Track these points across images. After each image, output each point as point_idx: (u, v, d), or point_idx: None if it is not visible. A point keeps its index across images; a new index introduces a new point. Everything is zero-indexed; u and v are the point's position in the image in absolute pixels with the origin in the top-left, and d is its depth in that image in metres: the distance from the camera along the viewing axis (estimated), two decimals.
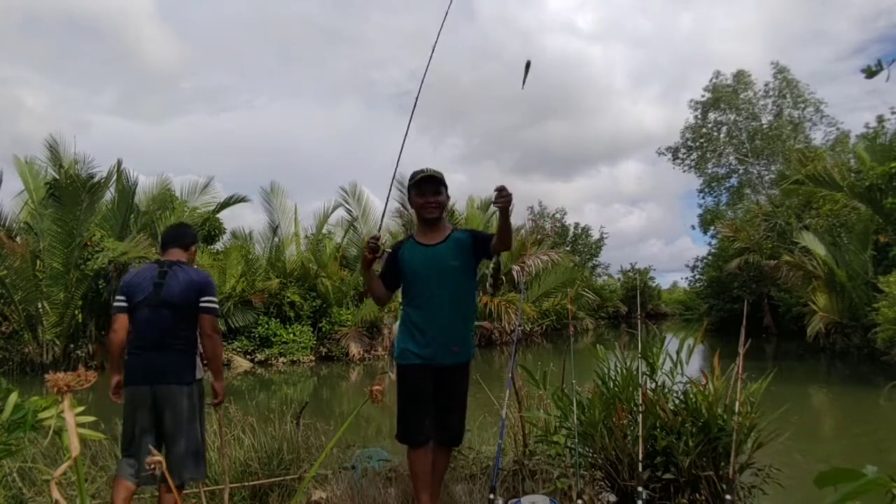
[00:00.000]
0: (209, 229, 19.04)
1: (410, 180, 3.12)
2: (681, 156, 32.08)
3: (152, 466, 1.26)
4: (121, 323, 3.16)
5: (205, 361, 3.26)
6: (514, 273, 21.26)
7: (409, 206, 21.84)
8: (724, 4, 68.23)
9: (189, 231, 3.57)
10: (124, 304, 3.19)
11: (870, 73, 1.29)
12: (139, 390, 3.09)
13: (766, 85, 29.66)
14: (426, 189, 3.09)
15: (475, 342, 3.13)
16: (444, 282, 3.03)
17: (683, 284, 40.95)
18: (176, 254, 3.36)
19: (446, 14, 2.79)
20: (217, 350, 3.22)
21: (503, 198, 2.66)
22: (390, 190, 4.05)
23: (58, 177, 14.18)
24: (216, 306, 3.25)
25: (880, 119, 23.03)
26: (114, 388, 3.16)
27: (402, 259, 3.15)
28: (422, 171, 3.06)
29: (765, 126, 29.52)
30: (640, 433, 3.21)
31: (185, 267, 3.29)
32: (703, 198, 33.13)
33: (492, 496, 2.97)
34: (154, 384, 3.07)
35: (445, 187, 3.15)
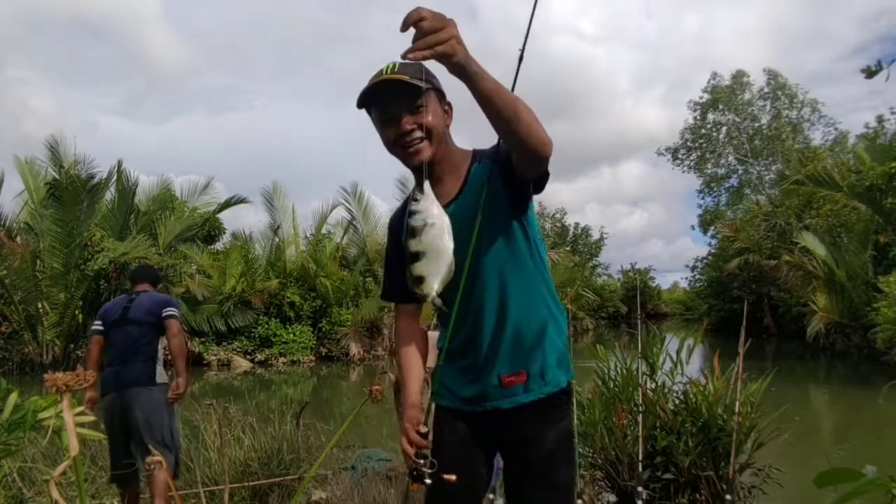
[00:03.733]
0: (209, 230, 19.05)
1: (359, 103, 1.52)
2: (680, 156, 32.11)
3: (152, 466, 1.26)
4: (95, 343, 3.69)
5: (168, 370, 3.75)
6: None
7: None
8: (728, 6, 68.33)
9: (156, 271, 4.28)
10: (101, 328, 3.70)
11: (869, 73, 1.29)
12: (111, 398, 3.53)
13: (761, 90, 29.74)
14: (388, 110, 1.49)
15: (561, 354, 1.68)
16: (478, 259, 1.54)
17: (684, 284, 41.03)
18: (144, 286, 3.91)
19: (531, 16, 1.36)
20: (182, 347, 3.70)
21: (424, 37, 1.09)
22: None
23: (58, 177, 14.19)
24: (178, 314, 3.79)
25: (880, 119, 23.06)
26: (86, 402, 3.49)
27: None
28: (375, 76, 1.46)
29: (764, 126, 29.54)
30: (640, 433, 3.21)
31: (150, 293, 3.88)
32: (703, 198, 33.19)
33: (492, 496, 2.96)
34: (122, 390, 3.53)
35: (435, 89, 1.53)
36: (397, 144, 1.50)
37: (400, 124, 1.46)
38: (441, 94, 1.55)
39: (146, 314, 3.69)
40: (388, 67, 1.45)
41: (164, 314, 3.68)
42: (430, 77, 1.48)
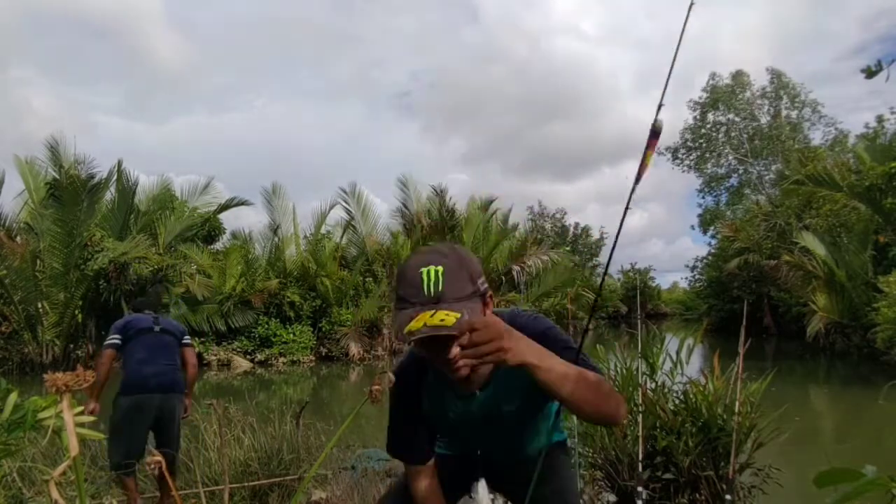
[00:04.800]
0: (209, 230, 19.05)
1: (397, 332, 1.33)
2: (680, 156, 32.13)
3: (152, 466, 1.26)
4: (109, 358, 3.71)
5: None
6: (514, 273, 21.27)
7: (409, 206, 21.98)
8: (729, 7, 68.32)
9: (159, 297, 4.62)
10: (118, 341, 3.75)
11: (869, 73, 1.29)
12: (150, 398, 3.65)
13: (763, 89, 29.76)
14: (432, 348, 1.35)
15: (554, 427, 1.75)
16: (496, 429, 1.60)
17: (683, 284, 41.03)
18: (150, 314, 4.06)
19: (686, 18, 1.54)
20: (196, 375, 4.13)
21: (474, 347, 1.12)
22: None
23: (58, 177, 14.18)
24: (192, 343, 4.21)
25: (880, 119, 23.08)
26: (89, 412, 3.51)
27: (424, 408, 1.60)
28: (409, 305, 1.27)
29: (763, 126, 29.55)
30: (640, 433, 3.21)
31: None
32: (703, 198, 33.21)
33: (492, 496, 2.96)
34: (168, 393, 3.72)
35: (480, 295, 1.34)
36: (438, 364, 1.38)
37: (446, 351, 1.29)
38: (485, 296, 1.34)
39: (175, 329, 4.04)
40: (429, 281, 1.26)
41: (184, 340, 4.04)
42: (475, 277, 1.31)
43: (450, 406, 1.54)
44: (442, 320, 1.20)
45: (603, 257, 42.34)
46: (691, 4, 1.52)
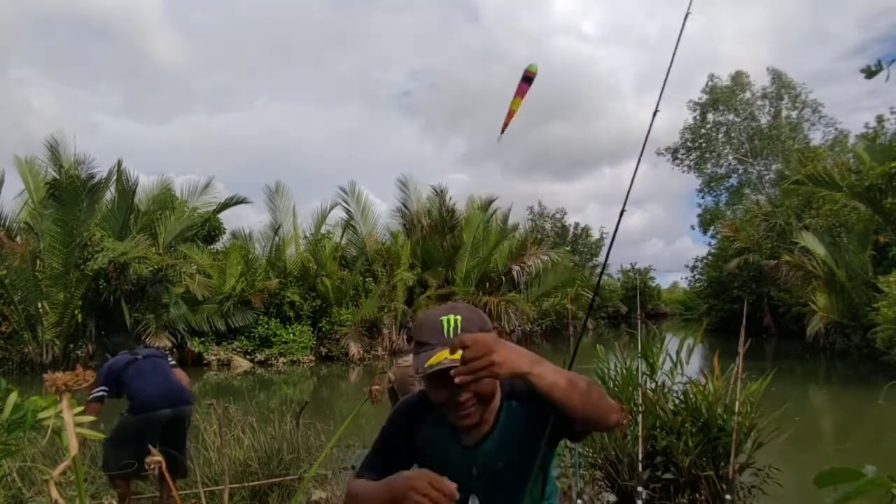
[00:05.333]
0: (209, 229, 19.05)
1: (414, 344, 1.48)
2: (680, 156, 32.13)
3: (152, 467, 1.26)
4: (95, 410, 3.70)
5: None
6: (514, 273, 21.27)
7: (409, 206, 21.95)
8: (730, 7, 68.32)
9: (134, 337, 4.79)
10: (105, 394, 3.82)
11: (869, 73, 1.29)
12: (159, 414, 3.80)
13: (764, 89, 29.77)
14: (445, 382, 1.36)
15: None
16: (486, 488, 1.53)
17: (683, 284, 41.04)
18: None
19: (682, 27, 1.59)
20: (191, 390, 4.29)
21: (467, 363, 1.18)
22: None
23: (58, 177, 14.18)
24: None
25: (880, 119, 23.11)
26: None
27: (418, 447, 1.58)
28: (429, 347, 1.38)
29: (763, 126, 29.55)
30: (640, 433, 3.21)
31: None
32: (703, 198, 33.22)
33: None
34: (179, 406, 3.90)
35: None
36: (447, 407, 1.43)
37: (458, 395, 1.37)
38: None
39: (155, 352, 4.28)
40: (449, 326, 1.39)
41: (171, 362, 4.21)
42: (486, 331, 1.40)
43: (452, 455, 1.53)
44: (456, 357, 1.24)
45: (604, 257, 42.33)
46: (686, 15, 1.56)
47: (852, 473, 0.66)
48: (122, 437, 3.68)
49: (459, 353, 1.22)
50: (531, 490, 1.58)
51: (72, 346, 14.78)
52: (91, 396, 3.80)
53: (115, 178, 15.48)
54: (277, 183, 19.65)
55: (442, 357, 1.31)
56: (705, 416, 3.30)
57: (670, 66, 1.53)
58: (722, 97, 29.92)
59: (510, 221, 23.18)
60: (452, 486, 1.19)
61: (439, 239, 20.03)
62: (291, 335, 17.51)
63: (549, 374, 1.26)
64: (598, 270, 41.78)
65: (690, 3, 1.59)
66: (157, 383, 3.94)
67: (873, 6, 49.89)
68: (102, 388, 3.84)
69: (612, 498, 3.47)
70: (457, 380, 1.18)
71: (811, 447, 6.14)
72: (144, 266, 14.80)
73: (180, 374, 4.20)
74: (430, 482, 1.19)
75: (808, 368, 15.16)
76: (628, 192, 1.55)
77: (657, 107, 1.55)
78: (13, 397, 1.04)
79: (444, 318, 1.40)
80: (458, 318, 1.40)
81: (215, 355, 16.68)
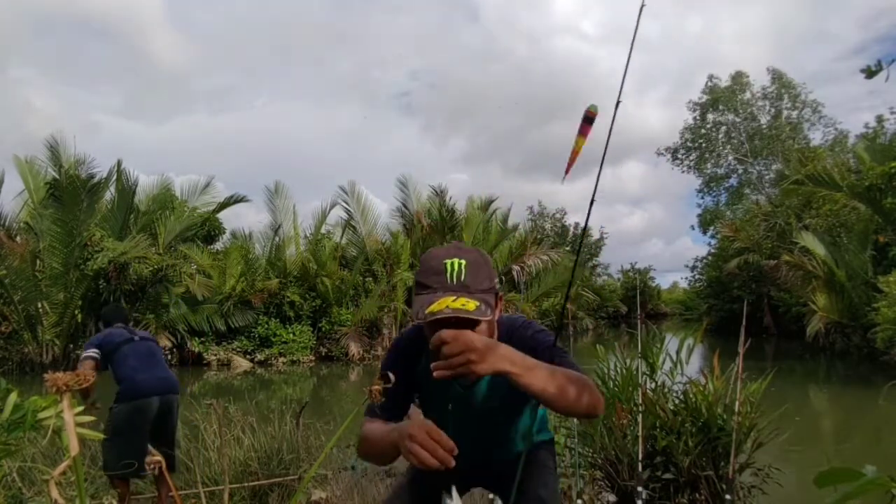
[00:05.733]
0: (209, 229, 19.04)
1: (416, 290, 1.43)
2: (680, 156, 32.15)
3: (152, 466, 1.26)
4: (89, 366, 3.71)
5: None
6: (514, 273, 21.26)
7: (409, 206, 21.94)
8: (730, 7, 68.34)
9: (126, 311, 4.57)
10: (97, 354, 3.78)
11: (869, 73, 1.29)
12: (156, 400, 3.76)
13: (764, 88, 29.77)
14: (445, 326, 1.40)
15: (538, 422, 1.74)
16: (481, 422, 1.65)
17: (683, 284, 41.04)
18: (119, 325, 4.12)
19: (639, 16, 1.58)
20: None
21: (446, 359, 1.20)
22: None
23: (58, 177, 14.18)
24: None
25: (880, 119, 23.12)
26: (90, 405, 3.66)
27: (417, 379, 1.62)
28: (431, 290, 1.37)
29: (763, 126, 29.56)
30: (640, 433, 3.21)
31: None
32: (703, 198, 33.24)
33: (492, 496, 2.97)
34: (167, 394, 3.83)
35: (495, 292, 1.44)
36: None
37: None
38: (497, 295, 1.44)
39: (151, 337, 4.18)
40: (452, 271, 1.35)
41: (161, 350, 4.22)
42: (492, 277, 1.41)
43: (449, 391, 1.58)
44: (463, 305, 1.29)
45: (603, 257, 42.38)
46: (642, 6, 1.56)
47: (852, 473, 0.66)
48: (115, 431, 3.64)
49: (461, 303, 1.28)
50: (525, 425, 1.69)
51: (72, 346, 14.77)
52: (84, 355, 3.77)
53: (114, 178, 15.48)
54: (277, 183, 19.65)
55: (443, 305, 1.29)
56: (705, 416, 3.30)
57: (629, 59, 1.54)
58: (722, 97, 29.92)
59: (510, 221, 23.18)
60: (451, 442, 1.19)
61: (439, 239, 20.02)
62: (291, 335, 17.51)
63: (538, 381, 1.26)
64: (601, 271, 41.82)
65: None
66: (150, 368, 3.88)
67: (873, 6, 49.95)
68: (95, 350, 3.80)
69: (612, 498, 3.47)
70: (435, 374, 1.19)
71: (811, 447, 6.14)
72: (144, 266, 14.79)
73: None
74: (429, 433, 1.19)
75: (808, 368, 15.16)
76: (597, 182, 1.56)
77: (619, 97, 1.55)
78: (13, 397, 1.04)
79: (449, 262, 1.37)
80: (463, 262, 1.37)
81: (215, 355, 16.68)
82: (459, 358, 1.18)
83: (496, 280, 1.43)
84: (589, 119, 1.63)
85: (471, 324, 1.33)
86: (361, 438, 1.48)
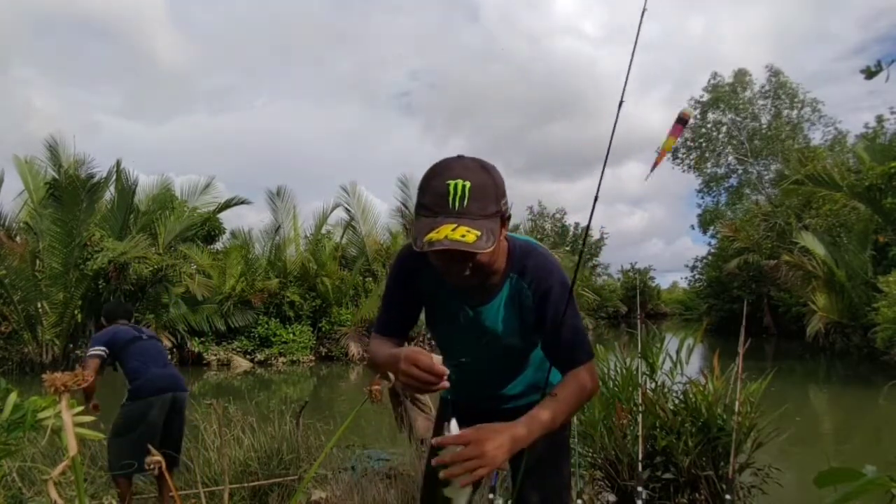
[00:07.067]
0: (209, 229, 19.04)
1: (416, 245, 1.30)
2: (680, 156, 32.11)
3: (152, 466, 1.26)
4: (94, 366, 3.68)
5: None
6: None
7: (410, 206, 21.93)
8: (731, 7, 68.33)
9: (130, 307, 4.51)
10: (104, 353, 3.76)
11: (869, 73, 1.29)
12: (170, 397, 3.79)
13: (762, 87, 29.77)
14: (447, 260, 1.37)
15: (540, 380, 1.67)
16: (488, 349, 1.62)
17: (683, 284, 41.04)
18: (122, 322, 4.10)
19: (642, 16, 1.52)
20: None
21: (462, 464, 1.17)
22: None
23: (58, 177, 14.17)
24: None
25: (880, 119, 23.12)
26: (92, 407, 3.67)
27: (423, 291, 1.60)
28: (432, 214, 1.28)
29: (764, 126, 29.56)
30: (640, 433, 3.21)
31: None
32: (703, 198, 33.23)
33: (491, 496, 2.96)
34: (178, 391, 3.87)
35: (501, 215, 1.36)
36: (443, 272, 1.40)
37: (459, 266, 1.35)
38: (504, 218, 1.38)
39: (156, 336, 4.24)
40: (455, 194, 1.26)
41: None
42: (499, 198, 1.33)
43: (455, 312, 1.57)
44: (463, 236, 1.22)
45: (604, 257, 42.39)
46: (643, 11, 1.51)
47: (852, 473, 0.66)
48: (128, 428, 3.63)
49: (461, 233, 1.22)
50: (538, 356, 1.67)
51: (72, 346, 14.77)
52: (90, 353, 3.72)
53: (114, 177, 15.47)
54: (279, 187, 19.68)
55: (442, 235, 1.22)
56: (705, 416, 3.30)
57: (631, 61, 1.48)
58: (723, 96, 29.91)
59: (510, 221, 23.17)
60: (443, 368, 1.19)
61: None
62: (291, 335, 17.51)
63: (541, 431, 1.30)
64: (601, 271, 41.80)
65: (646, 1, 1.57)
66: (161, 366, 3.92)
67: (873, 6, 49.94)
68: (103, 348, 3.75)
69: (612, 498, 3.47)
70: (441, 475, 1.15)
71: (811, 447, 6.14)
72: (144, 266, 14.79)
73: None
74: (417, 362, 1.20)
75: (808, 368, 15.16)
76: (600, 182, 1.52)
77: (622, 96, 1.48)
78: (13, 397, 1.04)
79: (452, 184, 1.26)
80: (468, 185, 1.26)
81: (215, 355, 16.68)
82: (469, 464, 1.15)
83: (504, 201, 1.35)
84: (682, 121, 1.62)
85: (470, 254, 1.29)
86: (369, 354, 1.54)
